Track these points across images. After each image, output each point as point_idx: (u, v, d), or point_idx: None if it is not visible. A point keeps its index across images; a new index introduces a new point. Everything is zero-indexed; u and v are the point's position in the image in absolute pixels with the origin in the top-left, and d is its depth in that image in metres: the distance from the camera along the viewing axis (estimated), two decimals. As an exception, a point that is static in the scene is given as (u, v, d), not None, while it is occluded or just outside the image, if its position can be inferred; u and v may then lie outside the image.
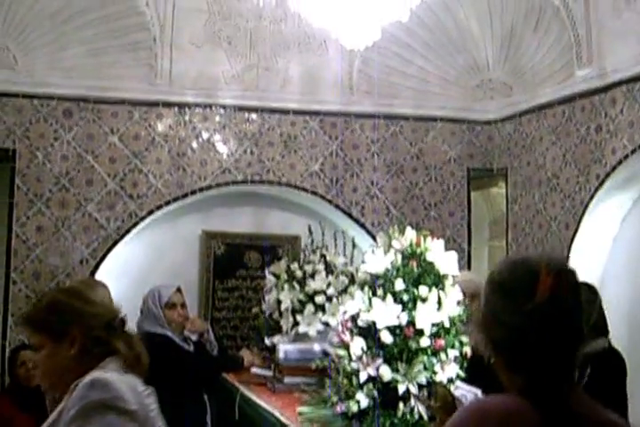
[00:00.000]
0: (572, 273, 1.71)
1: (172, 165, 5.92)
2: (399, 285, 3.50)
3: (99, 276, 5.63)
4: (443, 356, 3.49)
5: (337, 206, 6.21)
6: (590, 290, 3.90)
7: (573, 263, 5.27)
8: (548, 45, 5.72)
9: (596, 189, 5.32)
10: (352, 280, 4.74)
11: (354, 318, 3.62)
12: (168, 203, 5.91)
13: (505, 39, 6.09)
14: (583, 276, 5.31)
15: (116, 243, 5.79)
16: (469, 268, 6.24)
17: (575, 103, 5.52)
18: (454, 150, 6.45)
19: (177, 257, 6.18)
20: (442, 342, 3.48)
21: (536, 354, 1.55)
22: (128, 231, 5.83)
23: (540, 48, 5.81)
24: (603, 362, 3.71)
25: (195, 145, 5.98)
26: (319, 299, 4.80)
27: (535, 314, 1.55)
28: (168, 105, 5.95)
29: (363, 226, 6.21)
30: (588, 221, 5.46)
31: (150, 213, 5.87)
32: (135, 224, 5.84)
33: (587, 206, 5.41)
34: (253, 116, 6.10)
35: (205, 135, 6.01)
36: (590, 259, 5.55)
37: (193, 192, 5.96)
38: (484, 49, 6.24)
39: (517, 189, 6.23)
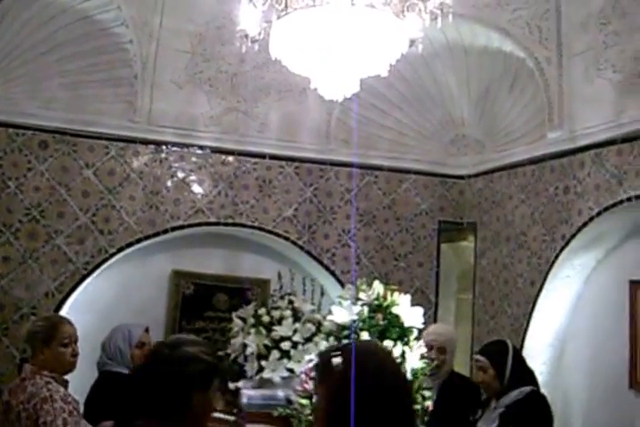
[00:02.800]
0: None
1: (145, 203, 5.97)
2: (364, 337, 3.57)
3: (64, 310, 5.63)
4: (404, 409, 3.55)
5: (308, 253, 6.29)
6: (503, 348, 4.07)
7: (537, 320, 5.42)
8: (522, 106, 5.89)
9: (562, 249, 5.45)
10: (319, 328, 4.80)
11: (318, 368, 3.68)
12: (139, 240, 5.94)
13: (480, 97, 6.26)
14: (545, 332, 5.49)
15: (83, 278, 5.80)
16: (436, 319, 6.33)
17: (545, 164, 5.69)
18: (426, 203, 6.59)
19: (145, 295, 6.20)
20: (404, 395, 3.54)
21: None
22: (97, 267, 5.84)
23: (514, 108, 5.98)
24: (525, 408, 3.82)
25: (169, 184, 6.05)
26: (285, 345, 4.85)
27: None
28: (145, 142, 6.01)
29: (332, 273, 6.29)
30: (553, 279, 5.58)
31: (120, 249, 5.90)
32: (105, 260, 5.86)
33: (552, 265, 5.53)
34: (230, 158, 6.19)
35: (181, 175, 6.08)
36: (553, 316, 5.66)
37: (165, 231, 6.01)
38: (460, 106, 6.42)
39: (486, 244, 6.36)
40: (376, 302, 3.63)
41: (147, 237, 5.96)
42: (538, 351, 5.65)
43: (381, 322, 3.58)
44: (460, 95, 6.35)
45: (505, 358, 4.02)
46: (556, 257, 5.51)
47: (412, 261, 6.51)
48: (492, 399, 4.08)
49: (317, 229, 6.33)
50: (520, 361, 4.14)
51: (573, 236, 5.36)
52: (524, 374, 4.05)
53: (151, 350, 2.51)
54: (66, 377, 3.53)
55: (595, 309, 5.53)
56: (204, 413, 2.42)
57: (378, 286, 3.68)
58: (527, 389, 3.94)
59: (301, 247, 6.28)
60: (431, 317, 6.12)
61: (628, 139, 4.89)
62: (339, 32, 3.73)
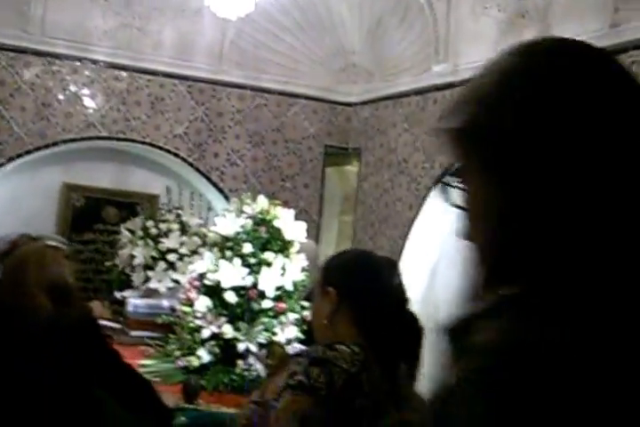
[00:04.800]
0: None
1: (35, 115, 5.69)
2: (247, 248, 3.55)
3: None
4: (283, 318, 3.58)
5: (197, 170, 6.16)
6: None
7: (413, 243, 5.51)
8: (411, 39, 5.85)
9: (441, 175, 5.54)
10: (205, 241, 4.75)
11: (201, 277, 3.65)
12: (29, 152, 5.67)
13: (372, 28, 6.18)
14: (420, 255, 5.58)
15: (-28, 187, 5.54)
16: (318, 239, 6.37)
17: (429, 95, 5.70)
18: (314, 127, 6.54)
19: (35, 207, 5.95)
20: (283, 305, 3.57)
21: None
22: (-14, 177, 5.58)
23: (403, 40, 5.94)
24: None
25: (61, 97, 5.77)
26: (171, 257, 4.79)
27: None
28: (37, 54, 5.67)
29: (220, 191, 6.20)
30: (430, 204, 5.67)
31: (10, 159, 5.62)
32: (-6, 170, 5.60)
33: (430, 190, 5.62)
34: (123, 74, 5.94)
35: (73, 88, 5.80)
36: (429, 239, 5.78)
37: (55, 143, 5.75)
38: (352, 35, 6.32)
39: (369, 169, 6.39)
40: (260, 216, 3.60)
41: (37, 149, 5.70)
42: (413, 270, 5.79)
43: (264, 235, 3.57)
44: (352, 25, 6.25)
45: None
46: (434, 184, 5.59)
47: (297, 182, 6.49)
48: None
49: (207, 148, 6.20)
50: None
51: (452, 164, 5.42)
52: None
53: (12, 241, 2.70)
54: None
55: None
56: None
57: (262, 201, 3.66)
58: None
59: (191, 164, 6.15)
60: (314, 236, 6.14)
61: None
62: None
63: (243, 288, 3.52)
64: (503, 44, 4.66)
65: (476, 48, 5.17)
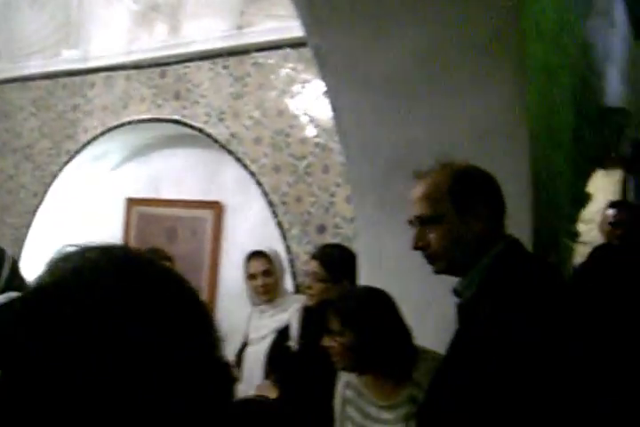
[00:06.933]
0: None
1: None
2: None
3: None
4: None
5: None
6: None
7: (36, 230, 5.25)
8: (43, 21, 5.56)
9: (67, 163, 5.34)
10: None
11: None
12: None
13: (1, 7, 5.76)
14: (44, 243, 5.29)
15: None
16: None
17: (58, 80, 5.46)
18: None
19: None
20: None
21: None
22: None
23: (34, 22, 5.63)
24: None
25: None
26: None
27: None
28: None
29: None
30: (56, 192, 5.46)
31: None
32: None
33: (55, 178, 5.39)
34: None
35: None
36: (54, 227, 5.53)
37: None
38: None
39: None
40: None
41: None
42: (36, 259, 5.51)
43: None
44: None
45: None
46: (60, 171, 5.38)
47: None
48: None
49: None
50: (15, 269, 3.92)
51: (78, 152, 5.27)
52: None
53: None
54: None
55: (94, 223, 5.55)
56: None
57: None
58: (13, 294, 3.74)
59: None
60: None
61: (137, 66, 4.90)
62: None
63: None
64: (134, 35, 4.65)
65: (107, 36, 5.09)
